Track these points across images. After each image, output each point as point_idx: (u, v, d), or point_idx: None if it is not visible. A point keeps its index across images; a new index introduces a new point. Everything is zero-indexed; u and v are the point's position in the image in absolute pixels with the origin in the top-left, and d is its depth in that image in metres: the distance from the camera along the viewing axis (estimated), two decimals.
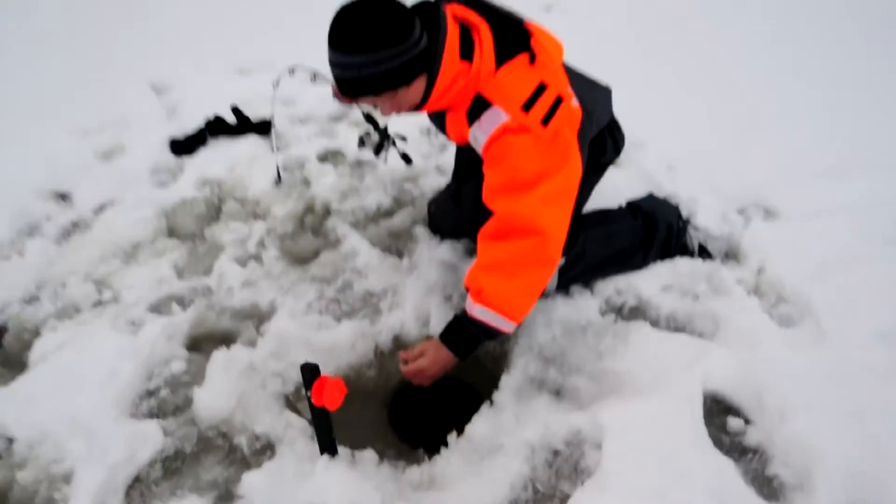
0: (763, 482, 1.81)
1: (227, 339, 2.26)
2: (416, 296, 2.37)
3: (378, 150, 2.76)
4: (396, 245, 2.67)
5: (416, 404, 2.24)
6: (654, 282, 2.38)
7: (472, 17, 1.86)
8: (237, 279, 2.47)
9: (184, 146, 3.21)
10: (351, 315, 2.34)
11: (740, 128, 3.30)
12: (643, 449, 1.78)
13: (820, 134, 3.23)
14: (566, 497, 1.73)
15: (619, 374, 2.06)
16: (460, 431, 1.96)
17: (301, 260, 2.63)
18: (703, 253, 2.50)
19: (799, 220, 2.68)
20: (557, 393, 2.07)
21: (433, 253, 2.55)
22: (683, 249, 2.48)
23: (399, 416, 2.24)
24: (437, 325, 2.28)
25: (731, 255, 2.52)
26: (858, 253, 2.48)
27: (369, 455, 1.89)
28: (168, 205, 2.85)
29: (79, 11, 4.73)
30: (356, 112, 3.52)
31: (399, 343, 2.27)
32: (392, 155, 2.85)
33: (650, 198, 2.56)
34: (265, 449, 1.90)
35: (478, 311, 1.90)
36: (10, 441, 1.89)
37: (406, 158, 2.93)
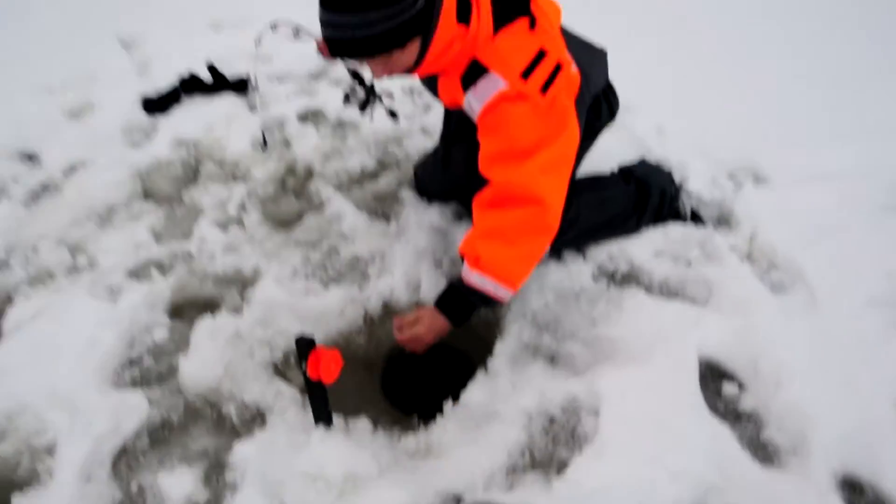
0: (758, 447, 1.83)
1: (210, 306, 2.19)
2: (405, 261, 2.32)
3: (363, 106, 2.68)
4: (382, 208, 2.61)
5: (408, 371, 2.21)
6: (646, 247, 2.36)
7: None
8: (219, 244, 2.40)
9: (157, 105, 3.10)
10: (338, 281, 2.29)
11: (730, 92, 3.28)
12: (640, 415, 1.78)
13: (810, 100, 3.21)
14: (563, 463, 1.73)
15: (614, 341, 2.04)
16: (455, 398, 1.93)
17: (284, 224, 2.56)
18: (696, 219, 2.48)
19: (789, 186, 2.67)
20: (552, 359, 2.05)
21: (421, 217, 2.50)
22: (676, 215, 2.46)
23: (391, 383, 2.21)
24: (428, 291, 2.25)
25: (724, 220, 2.50)
26: (849, 220, 2.49)
27: (363, 423, 1.86)
28: (142, 166, 2.76)
29: None
30: (337, 69, 3.44)
31: (389, 309, 2.23)
32: (377, 113, 2.77)
33: (643, 163, 2.53)
34: (255, 418, 1.85)
35: (475, 278, 1.86)
36: None
37: (392, 114, 2.85)
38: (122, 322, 2.04)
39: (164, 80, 3.25)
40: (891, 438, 1.83)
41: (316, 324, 2.11)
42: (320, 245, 2.41)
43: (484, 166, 1.89)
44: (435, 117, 3.08)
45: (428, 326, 1.92)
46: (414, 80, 2.31)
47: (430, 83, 2.05)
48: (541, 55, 1.78)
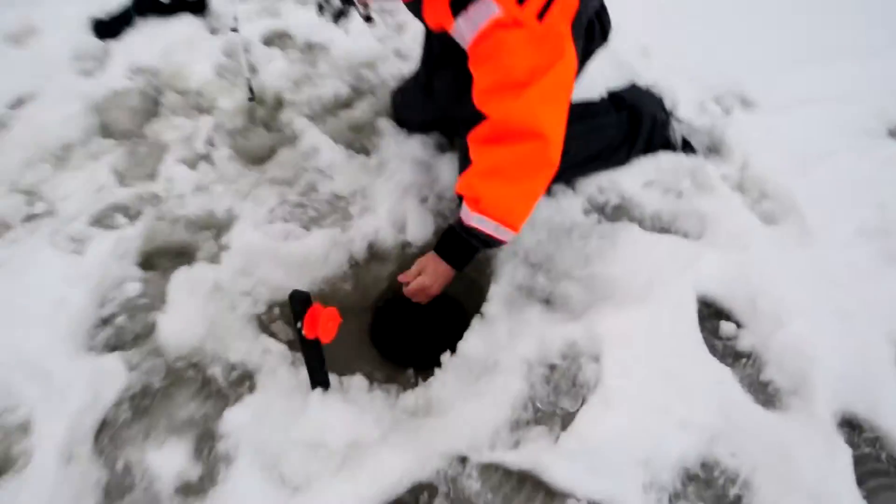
0: (759, 388, 1.74)
1: (183, 255, 1.97)
2: (388, 198, 2.12)
3: (338, 16, 2.41)
4: (360, 140, 2.38)
5: (399, 321, 2.05)
6: (637, 178, 2.21)
7: None
8: (188, 184, 2.16)
9: (109, 27, 2.75)
10: (319, 221, 2.08)
11: (711, 14, 3.05)
12: (642, 361, 1.66)
13: (794, 22, 3.00)
14: (567, 414, 1.62)
15: (610, 280, 1.91)
16: (448, 347, 1.80)
17: (256, 159, 2.31)
18: (686, 147, 2.32)
19: (777, 111, 2.52)
20: (547, 301, 1.91)
21: (402, 149, 2.30)
22: (666, 144, 2.29)
23: (383, 335, 2.04)
24: (415, 230, 2.08)
25: (714, 149, 2.35)
26: (838, 147, 2.37)
27: (359, 381, 1.71)
28: (98, 98, 2.45)
29: None
30: None
31: (374, 251, 2.04)
32: (351, 28, 2.50)
33: (633, 88, 2.33)
34: (243, 379, 1.68)
35: (475, 220, 1.70)
36: None
37: (368, 19, 2.56)
38: (90, 277, 1.81)
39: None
40: (887, 375, 1.76)
41: (300, 271, 1.93)
42: (297, 182, 2.19)
43: (479, 99, 1.70)
44: (410, 39, 2.81)
45: (432, 275, 1.78)
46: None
47: (415, 5, 1.82)
48: None
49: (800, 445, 1.58)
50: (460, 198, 1.78)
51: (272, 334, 1.80)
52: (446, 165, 2.23)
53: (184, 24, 2.80)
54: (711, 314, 1.88)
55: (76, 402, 1.54)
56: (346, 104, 2.53)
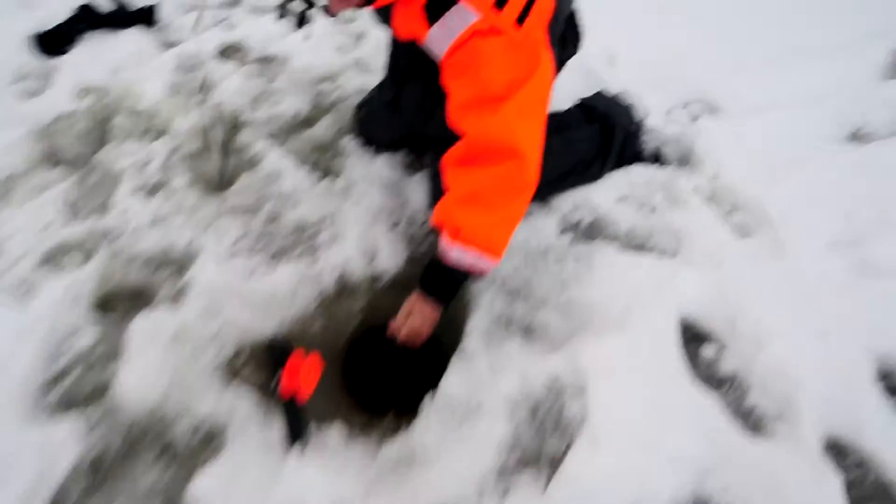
0: (744, 415, 1.64)
1: (141, 296, 1.77)
2: (357, 225, 1.96)
3: (301, 21, 2.23)
4: (324, 161, 2.20)
5: (373, 362, 1.88)
6: (610, 193, 2.09)
7: None
8: (144, 216, 1.95)
9: (52, 42, 2.52)
10: (285, 254, 1.90)
11: (671, 18, 2.95)
12: (627, 392, 1.56)
13: (750, 25, 2.92)
14: (556, 456, 1.49)
15: (588, 306, 1.79)
16: (432, 388, 1.66)
17: (216, 186, 2.11)
18: (658, 158, 2.21)
19: (742, 116, 2.42)
20: (527, 331, 1.77)
21: (369, 170, 2.13)
22: (638, 155, 2.18)
23: (357, 379, 1.87)
24: (387, 259, 1.92)
25: (685, 160, 2.24)
26: (803, 153, 2.30)
27: (337, 431, 1.55)
28: (43, 122, 2.21)
29: None
30: None
31: (345, 285, 1.87)
32: (311, 40, 2.31)
33: (602, 97, 2.20)
34: (211, 438, 1.49)
35: (457, 252, 1.56)
36: None
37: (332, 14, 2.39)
38: (40, 326, 1.61)
39: (54, 13, 2.63)
40: (869, 394, 1.69)
41: (266, 311, 1.74)
42: (260, 210, 1.99)
43: (455, 116, 1.57)
44: (370, 48, 2.64)
45: (422, 315, 1.64)
46: None
47: (383, 13, 1.67)
48: None
49: (788, 474, 1.50)
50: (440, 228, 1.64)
51: (241, 382, 1.63)
52: (416, 186, 2.08)
53: (132, 38, 2.58)
54: (691, 337, 1.77)
55: (23, 479, 1.35)
56: (308, 122, 2.35)
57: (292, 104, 2.37)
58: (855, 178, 2.20)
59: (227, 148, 2.22)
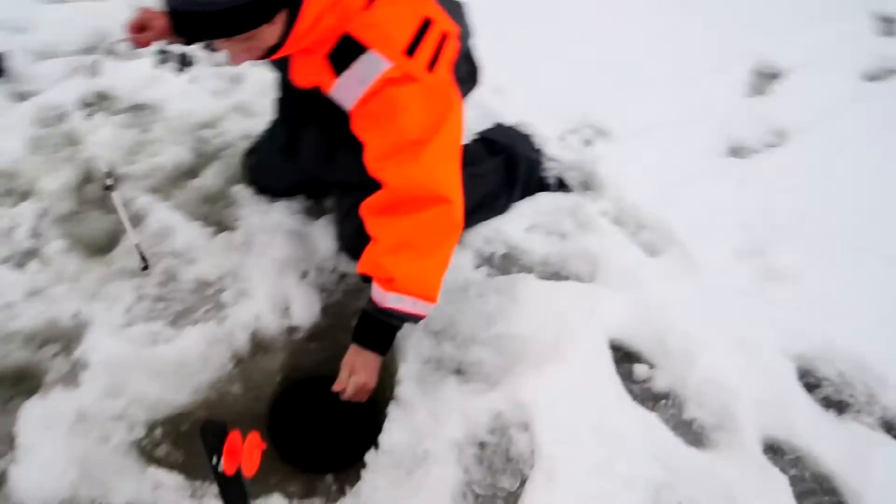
0: (685, 428, 1.69)
1: (27, 379, 1.58)
2: (264, 278, 1.85)
3: (183, 63, 2.09)
4: (216, 213, 2.07)
5: (302, 419, 1.77)
6: (519, 223, 2.13)
7: None
8: (17, 289, 1.75)
9: None
10: (188, 316, 1.76)
11: (548, 45, 3.05)
12: (573, 420, 1.56)
13: (626, 54, 3.06)
14: (510, 494, 1.47)
15: (518, 338, 1.79)
16: (366, 437, 1.58)
17: (98, 249, 1.92)
18: (561, 186, 2.25)
19: (631, 138, 2.55)
20: (460, 371, 1.74)
21: (267, 220, 2.02)
22: (542, 184, 2.21)
23: (288, 440, 1.74)
24: (300, 310, 1.83)
25: (587, 185, 2.30)
26: (693, 169, 2.45)
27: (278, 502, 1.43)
28: None
29: None
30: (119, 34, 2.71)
31: (259, 342, 1.75)
32: (186, 85, 2.17)
33: (501, 128, 2.23)
34: None
35: (392, 300, 1.53)
36: None
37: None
38: None
39: None
40: (795, 392, 1.78)
41: (177, 379, 1.60)
42: (152, 272, 1.85)
43: (374, 166, 1.53)
44: (252, 91, 2.53)
45: (364, 369, 1.59)
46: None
47: (280, 64, 1.60)
48: (426, 25, 1.45)
49: (738, 480, 1.55)
50: (365, 277, 1.57)
51: (159, 463, 1.47)
52: (321, 232, 2.00)
53: None
54: (622, 357, 1.82)
55: None
56: (192, 172, 2.21)
57: (173, 154, 2.23)
58: (743, 192, 2.36)
59: (105, 206, 2.03)
